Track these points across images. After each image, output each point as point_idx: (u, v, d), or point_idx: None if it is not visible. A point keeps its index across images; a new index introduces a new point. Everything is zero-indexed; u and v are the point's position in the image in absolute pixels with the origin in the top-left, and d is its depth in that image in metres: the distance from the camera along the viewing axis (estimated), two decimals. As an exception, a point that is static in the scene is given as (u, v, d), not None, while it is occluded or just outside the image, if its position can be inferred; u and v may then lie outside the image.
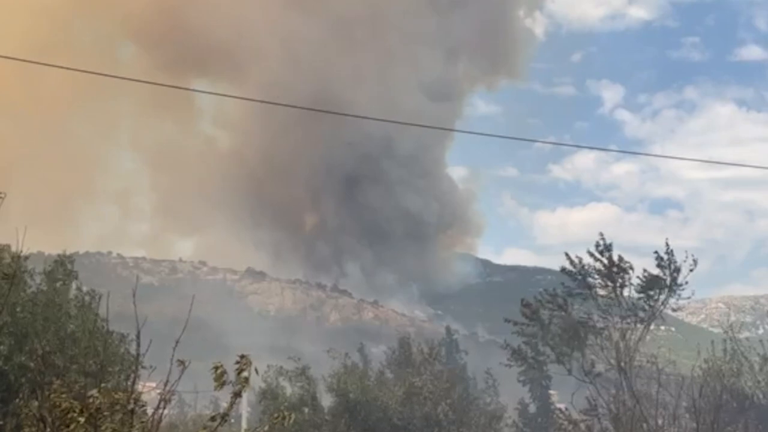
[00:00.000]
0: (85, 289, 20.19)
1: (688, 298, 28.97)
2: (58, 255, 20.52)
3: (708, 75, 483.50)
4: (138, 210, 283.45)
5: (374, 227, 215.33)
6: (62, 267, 20.00)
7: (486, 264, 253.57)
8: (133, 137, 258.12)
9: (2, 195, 9.15)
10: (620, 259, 28.28)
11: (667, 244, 28.47)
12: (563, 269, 29.10)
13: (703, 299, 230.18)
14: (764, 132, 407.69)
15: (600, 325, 28.45)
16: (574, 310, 28.78)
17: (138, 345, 11.08)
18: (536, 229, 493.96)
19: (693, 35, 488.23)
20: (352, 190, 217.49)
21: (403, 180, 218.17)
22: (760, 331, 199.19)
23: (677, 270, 28.26)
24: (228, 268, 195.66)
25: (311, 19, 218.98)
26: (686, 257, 28.39)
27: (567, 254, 28.80)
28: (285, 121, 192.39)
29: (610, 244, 28.26)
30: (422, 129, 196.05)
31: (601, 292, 28.59)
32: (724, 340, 28.60)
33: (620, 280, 28.29)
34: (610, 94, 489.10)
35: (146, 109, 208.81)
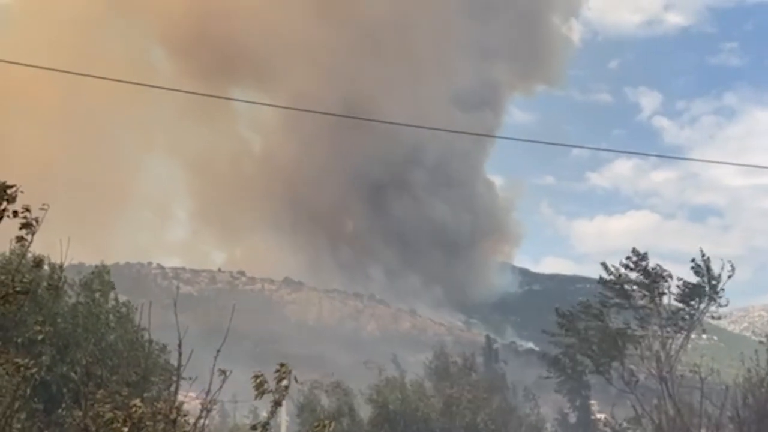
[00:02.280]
0: (122, 299, 20.42)
1: (726, 305, 28.60)
2: (95, 266, 20.76)
3: (747, 80, 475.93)
4: (177, 217, 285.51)
5: (408, 236, 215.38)
6: (99, 278, 20.23)
7: (524, 273, 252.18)
8: (170, 143, 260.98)
9: (46, 207, 9.30)
10: (658, 267, 27.99)
11: (703, 253, 28.13)
12: (600, 279, 28.87)
13: (746, 307, 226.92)
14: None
15: (639, 333, 28.15)
16: (612, 320, 28.51)
17: (180, 355, 11.18)
18: (574, 237, 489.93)
19: (731, 41, 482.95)
20: (384, 199, 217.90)
21: (437, 189, 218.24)
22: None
23: (715, 278, 27.90)
24: (266, 278, 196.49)
25: (343, 26, 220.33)
26: (723, 265, 28.05)
27: (604, 264, 28.58)
28: (317, 128, 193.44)
29: (646, 254, 27.97)
30: (455, 137, 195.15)
31: (640, 301, 28.31)
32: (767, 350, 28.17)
33: (658, 289, 27.98)
34: (648, 100, 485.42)
35: (182, 115, 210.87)
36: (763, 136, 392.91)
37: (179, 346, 10.78)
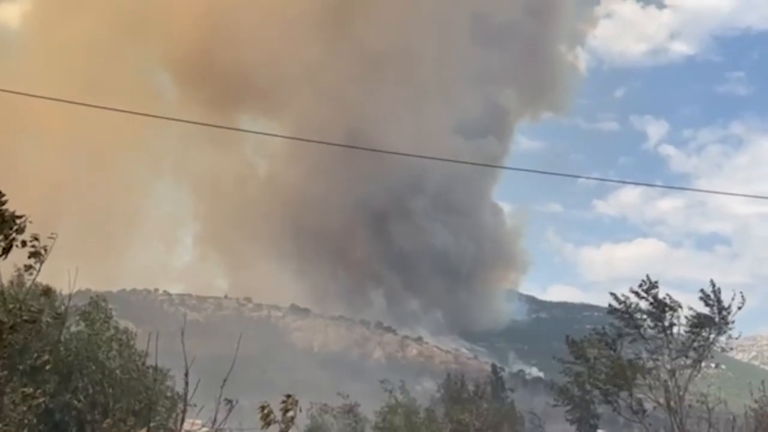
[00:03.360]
0: (128, 327, 20.38)
1: (737, 337, 28.41)
2: (90, 297, 20.76)
3: (754, 109, 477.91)
4: (184, 242, 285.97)
5: (414, 264, 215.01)
6: (96, 307, 20.20)
7: (531, 300, 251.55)
8: (177, 169, 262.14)
9: (54, 236, 9.34)
10: (668, 298, 27.86)
11: (713, 283, 28.01)
12: (610, 309, 28.73)
13: (754, 336, 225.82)
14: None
15: (650, 365, 27.98)
16: (623, 350, 28.35)
17: (186, 383, 11.14)
18: (581, 265, 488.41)
19: (738, 70, 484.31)
20: (388, 226, 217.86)
21: (441, 216, 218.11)
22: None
23: (725, 308, 27.76)
24: (273, 305, 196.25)
25: (348, 55, 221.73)
26: (734, 295, 27.90)
27: (614, 294, 28.44)
28: (321, 155, 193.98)
29: (656, 282, 27.85)
30: (458, 164, 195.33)
31: (650, 331, 28.16)
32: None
33: (668, 319, 27.84)
34: (655, 129, 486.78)
35: (188, 140, 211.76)
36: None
37: (186, 374, 10.73)
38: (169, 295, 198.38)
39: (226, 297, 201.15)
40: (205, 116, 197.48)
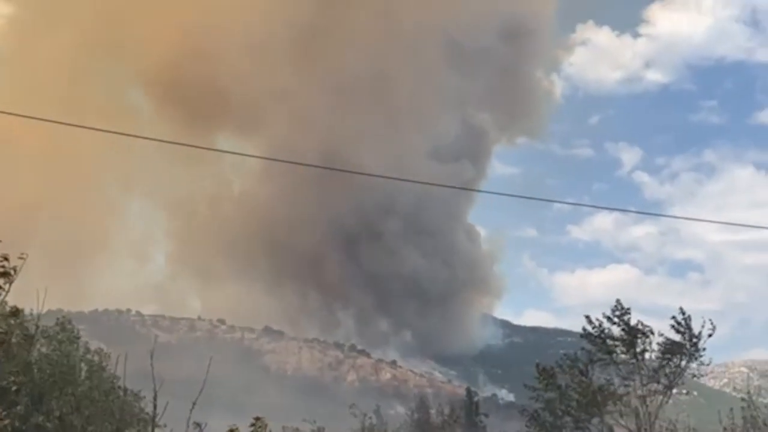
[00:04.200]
0: (99, 348, 20.16)
1: (708, 364, 28.59)
2: (57, 319, 20.52)
3: (726, 138, 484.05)
4: (156, 261, 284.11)
5: (386, 286, 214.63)
6: (63, 328, 19.93)
7: (506, 325, 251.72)
8: (150, 186, 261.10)
9: (24, 256, 9.28)
10: (640, 324, 27.99)
11: (683, 312, 28.19)
12: (583, 333, 28.81)
13: (726, 363, 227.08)
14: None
15: (621, 390, 28.06)
16: (595, 375, 28.41)
17: (155, 406, 11.07)
18: (556, 290, 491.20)
19: (711, 99, 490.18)
20: (360, 249, 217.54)
21: (415, 239, 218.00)
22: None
23: (696, 336, 27.95)
24: (246, 327, 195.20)
25: (324, 76, 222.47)
26: (704, 323, 28.08)
27: (587, 317, 28.53)
28: (295, 175, 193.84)
29: (628, 309, 27.99)
30: (431, 187, 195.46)
31: (622, 356, 28.26)
32: (742, 408, 28.15)
33: (641, 346, 27.97)
34: (629, 156, 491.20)
35: (162, 157, 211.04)
36: (741, 193, 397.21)
37: (154, 398, 10.68)
38: (142, 315, 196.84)
39: (199, 318, 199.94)
40: (180, 134, 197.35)
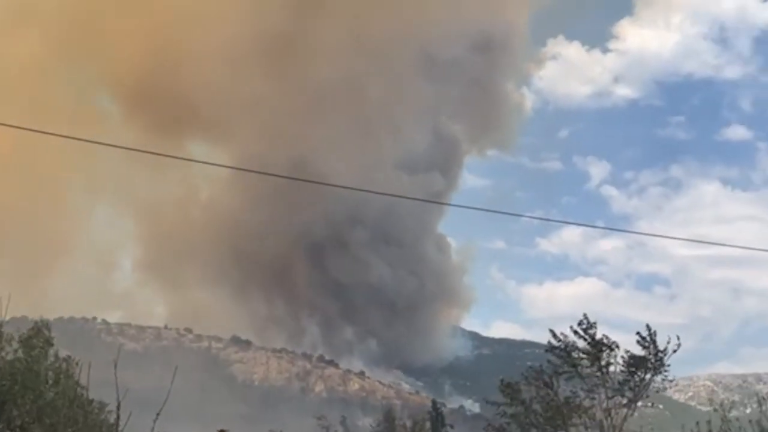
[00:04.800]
0: (62, 355, 19.91)
1: (672, 380, 28.85)
2: (35, 322, 20.28)
3: (693, 154, 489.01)
4: (123, 268, 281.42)
5: (352, 296, 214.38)
6: (39, 334, 19.72)
7: (474, 336, 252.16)
8: (117, 191, 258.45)
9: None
10: (605, 338, 28.18)
11: (648, 327, 28.46)
12: (549, 346, 28.95)
13: (691, 376, 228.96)
14: (749, 211, 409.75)
15: (586, 403, 28.21)
16: (561, 388, 28.54)
17: (118, 416, 10.95)
18: (524, 302, 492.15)
19: (679, 114, 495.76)
20: (331, 260, 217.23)
21: (381, 250, 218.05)
22: (748, 411, 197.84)
23: (661, 351, 28.21)
24: (214, 336, 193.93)
25: (294, 86, 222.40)
26: (669, 339, 28.35)
27: (552, 331, 28.68)
28: (263, 183, 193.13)
29: (594, 323, 28.18)
30: (403, 200, 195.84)
31: (587, 369, 28.42)
32: (708, 421, 28.41)
33: (606, 359, 28.15)
34: (597, 170, 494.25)
35: (131, 164, 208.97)
36: (708, 208, 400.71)
37: (117, 407, 10.56)
38: (107, 323, 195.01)
39: (165, 327, 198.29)
40: (148, 140, 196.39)
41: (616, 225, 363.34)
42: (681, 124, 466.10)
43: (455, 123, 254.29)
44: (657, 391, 29.65)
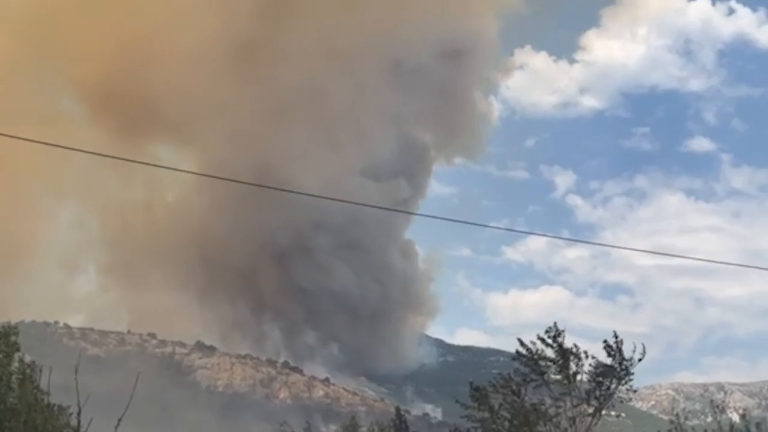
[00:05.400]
0: (27, 360, 19.64)
1: (636, 390, 29.06)
2: (1, 327, 19.96)
3: (658, 165, 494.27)
4: (86, 271, 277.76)
5: (316, 302, 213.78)
6: (5, 339, 19.43)
7: (439, 344, 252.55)
8: (82, 195, 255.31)
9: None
10: (575, 347, 28.33)
11: (616, 335, 28.64)
12: (516, 354, 29.04)
13: (653, 385, 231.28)
14: (712, 222, 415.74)
15: (552, 411, 28.32)
16: (527, 396, 28.63)
17: (78, 421, 10.79)
18: (489, 310, 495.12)
19: (643, 126, 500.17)
20: (294, 266, 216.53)
21: (344, 257, 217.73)
22: (709, 419, 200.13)
23: (627, 360, 28.40)
24: (177, 341, 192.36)
25: (260, 92, 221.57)
26: (635, 347, 28.53)
27: (520, 340, 28.77)
28: (230, 188, 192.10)
29: (562, 331, 28.31)
30: (367, 208, 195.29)
31: (555, 376, 28.53)
32: (669, 431, 28.66)
33: (573, 368, 28.28)
34: (563, 179, 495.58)
35: (96, 165, 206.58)
36: (671, 218, 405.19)
37: (78, 413, 10.40)
38: (69, 328, 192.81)
39: (129, 332, 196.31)
40: (114, 142, 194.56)
41: (581, 234, 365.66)
42: (646, 135, 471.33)
43: (423, 130, 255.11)
44: (622, 402, 29.85)
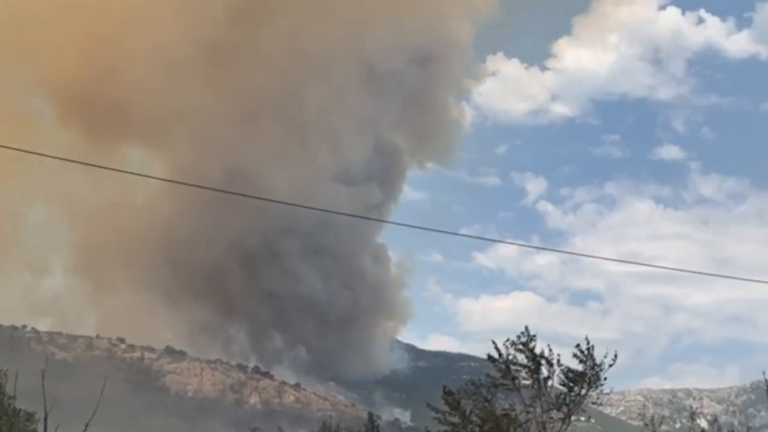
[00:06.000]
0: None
1: (609, 393, 29.20)
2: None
3: (627, 172, 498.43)
4: (54, 274, 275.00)
5: (285, 307, 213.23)
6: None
7: (411, 349, 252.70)
8: (51, 197, 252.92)
9: None
10: (549, 350, 28.40)
11: (587, 341, 28.75)
12: (489, 358, 29.06)
13: (622, 391, 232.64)
14: (680, 229, 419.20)
15: (522, 417, 28.37)
16: (498, 401, 28.66)
17: (45, 426, 10.64)
18: (460, 315, 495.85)
19: (613, 133, 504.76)
20: (263, 270, 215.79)
21: (313, 261, 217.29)
22: (678, 425, 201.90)
23: (598, 366, 28.52)
24: (147, 346, 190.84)
25: (232, 97, 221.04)
26: (606, 353, 28.67)
27: (494, 342, 28.78)
28: (200, 192, 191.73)
29: (535, 336, 28.37)
30: (334, 208, 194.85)
31: (525, 381, 28.59)
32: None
33: (545, 372, 28.34)
34: (534, 186, 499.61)
35: (65, 168, 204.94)
36: (640, 225, 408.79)
37: (45, 418, 10.25)
38: (37, 332, 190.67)
39: (97, 336, 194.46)
40: (83, 144, 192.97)
41: (552, 240, 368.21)
42: (616, 143, 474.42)
43: (395, 135, 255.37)
44: (593, 404, 29.98)
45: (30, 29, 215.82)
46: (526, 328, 28.38)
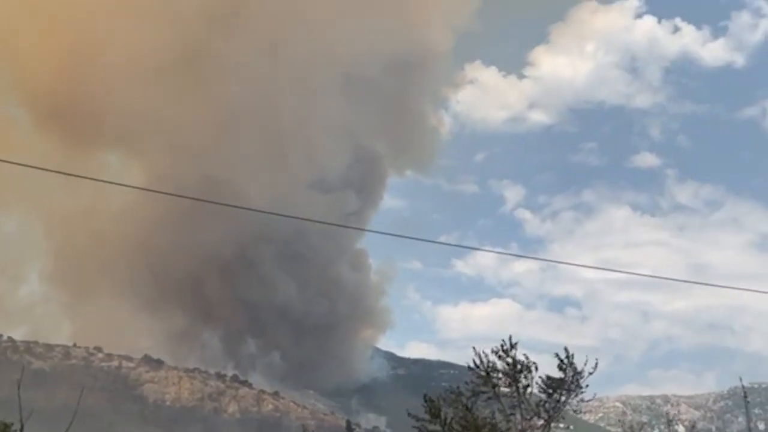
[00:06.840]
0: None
1: (590, 400, 29.30)
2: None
3: (605, 179, 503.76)
4: (30, 281, 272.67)
5: (263, 315, 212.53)
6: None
7: (390, 357, 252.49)
8: (26, 201, 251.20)
9: None
10: (526, 358, 28.43)
11: (566, 349, 28.84)
12: (470, 366, 29.04)
13: (601, 398, 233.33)
14: (657, 236, 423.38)
15: (502, 425, 28.37)
16: (478, 408, 28.65)
17: (22, 438, 10.50)
18: (439, 322, 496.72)
19: (591, 141, 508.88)
20: (238, 279, 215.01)
21: (289, 269, 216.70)
22: None
23: (579, 373, 28.59)
24: (124, 355, 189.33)
25: (208, 105, 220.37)
26: (587, 360, 28.75)
27: (475, 350, 28.79)
28: (176, 199, 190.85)
29: (515, 344, 28.41)
30: (311, 217, 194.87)
31: (504, 388, 28.61)
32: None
33: (524, 380, 28.38)
34: (512, 193, 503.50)
35: (39, 176, 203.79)
36: (618, 232, 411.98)
37: (21, 428, 10.12)
38: (13, 341, 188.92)
39: (75, 345, 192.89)
40: (61, 150, 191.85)
41: (530, 248, 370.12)
42: (593, 151, 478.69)
43: (374, 143, 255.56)
44: (574, 411, 30.02)
45: (5, 35, 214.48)
46: (510, 337, 28.43)
